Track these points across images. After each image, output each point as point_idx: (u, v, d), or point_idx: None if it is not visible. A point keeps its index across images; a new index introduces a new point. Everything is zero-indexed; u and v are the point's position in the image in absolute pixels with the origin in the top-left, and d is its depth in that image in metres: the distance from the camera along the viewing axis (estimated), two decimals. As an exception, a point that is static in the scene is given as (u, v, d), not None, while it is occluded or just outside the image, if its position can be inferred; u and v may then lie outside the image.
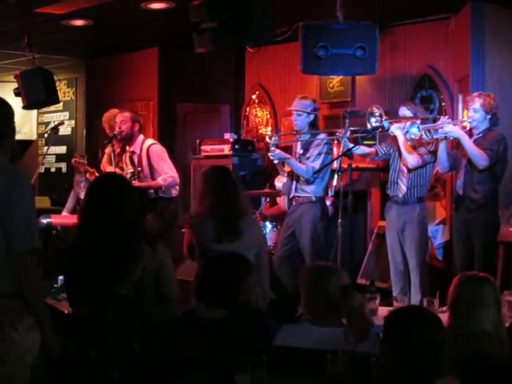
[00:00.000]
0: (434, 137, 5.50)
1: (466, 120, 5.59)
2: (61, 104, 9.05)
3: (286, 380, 2.90)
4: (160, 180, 6.36)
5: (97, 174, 6.44)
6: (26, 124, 9.89)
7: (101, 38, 7.93)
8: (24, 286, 3.02)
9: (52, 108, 9.20)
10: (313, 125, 6.17)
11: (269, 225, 6.69)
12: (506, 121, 5.84)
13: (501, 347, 3.04)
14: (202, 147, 7.68)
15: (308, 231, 6.00)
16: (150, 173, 6.42)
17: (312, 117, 6.15)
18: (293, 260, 6.05)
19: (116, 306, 3.45)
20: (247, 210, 4.70)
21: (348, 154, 5.56)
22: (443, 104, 6.73)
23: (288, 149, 6.46)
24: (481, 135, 5.51)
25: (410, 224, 5.68)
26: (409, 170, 5.69)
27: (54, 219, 6.76)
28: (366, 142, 6.16)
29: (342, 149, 5.76)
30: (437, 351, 2.55)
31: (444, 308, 3.88)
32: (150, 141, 6.62)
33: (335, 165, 5.81)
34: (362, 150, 5.94)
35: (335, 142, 6.33)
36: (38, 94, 7.45)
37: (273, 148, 6.14)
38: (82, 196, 6.76)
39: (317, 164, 6.01)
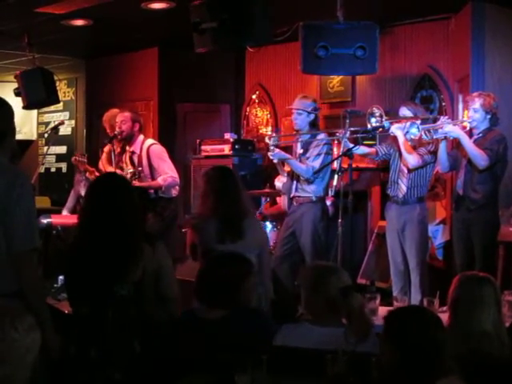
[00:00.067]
0: (434, 137, 5.50)
1: (466, 120, 5.59)
2: (61, 104, 9.05)
3: (286, 380, 2.90)
4: (160, 180, 6.37)
5: (97, 174, 6.45)
6: (26, 124, 9.88)
7: (101, 37, 7.93)
8: (24, 285, 3.02)
9: (52, 108, 9.19)
10: (313, 124, 6.17)
11: (269, 225, 6.69)
12: (506, 121, 5.84)
13: (501, 347, 3.04)
14: (202, 147, 7.68)
15: (308, 231, 6.00)
16: (150, 173, 6.42)
17: (312, 116, 6.15)
18: (292, 260, 6.06)
19: (116, 305, 3.45)
20: (249, 210, 4.70)
21: (348, 154, 5.56)
22: (443, 104, 6.73)
23: (288, 149, 6.46)
24: (481, 135, 5.51)
25: (410, 224, 5.68)
26: (409, 170, 5.69)
27: (54, 219, 6.76)
28: (366, 142, 6.17)
29: (342, 149, 5.76)
30: (437, 351, 2.55)
31: (444, 308, 3.89)
32: (150, 141, 6.63)
33: (335, 165, 5.81)
34: (362, 150, 5.94)
35: (335, 142, 6.33)
36: (38, 94, 7.45)
37: (272, 147, 6.14)
38: (82, 193, 6.76)
39: (316, 164, 6.01)
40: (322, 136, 6.13)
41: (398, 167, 5.78)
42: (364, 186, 7.13)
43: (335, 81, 7.47)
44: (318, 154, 6.05)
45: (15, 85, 7.60)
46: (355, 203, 5.84)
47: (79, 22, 7.18)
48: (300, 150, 6.21)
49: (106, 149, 6.74)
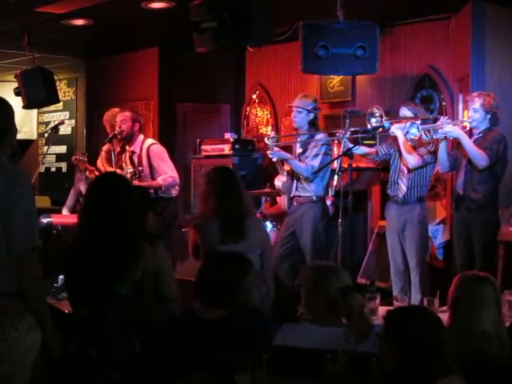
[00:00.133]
0: (434, 137, 5.50)
1: (466, 120, 5.59)
2: (61, 103, 9.05)
3: (286, 380, 2.90)
4: (160, 180, 6.37)
5: (96, 173, 6.45)
6: (26, 124, 9.88)
7: (101, 37, 7.93)
8: (25, 285, 3.02)
9: (52, 107, 9.20)
10: (312, 124, 6.17)
11: (269, 224, 6.69)
12: (507, 120, 5.84)
13: (501, 347, 3.04)
14: (203, 147, 7.68)
15: (309, 231, 6.00)
16: (150, 173, 6.42)
17: (312, 116, 6.15)
18: (292, 259, 6.06)
19: (116, 305, 3.45)
20: (251, 210, 4.71)
21: (348, 153, 5.56)
22: (443, 104, 6.73)
23: (288, 148, 6.46)
24: (481, 135, 5.51)
25: (410, 224, 5.68)
26: (409, 170, 5.69)
27: (55, 219, 6.77)
28: (366, 142, 6.17)
29: (342, 149, 5.76)
30: (437, 351, 2.55)
31: (444, 308, 3.89)
32: (150, 141, 6.63)
33: (335, 164, 5.81)
34: (362, 150, 5.94)
35: (335, 142, 6.33)
36: (38, 94, 7.46)
37: (271, 146, 6.15)
38: (83, 191, 6.77)
39: (315, 162, 6.01)
40: (320, 136, 6.13)
41: (398, 167, 5.78)
42: (364, 185, 7.13)
43: (335, 80, 7.47)
44: (317, 154, 6.05)
45: (15, 84, 7.60)
46: (355, 203, 5.84)
47: (79, 22, 7.18)
48: (299, 150, 6.21)
49: (105, 148, 6.74)
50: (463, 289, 3.19)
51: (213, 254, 4.06)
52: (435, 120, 5.75)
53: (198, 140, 7.75)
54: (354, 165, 5.82)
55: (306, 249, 6.01)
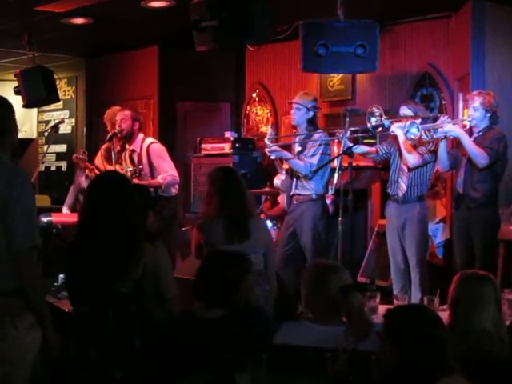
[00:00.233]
0: (434, 136, 5.50)
1: (466, 119, 5.59)
2: (61, 102, 9.04)
3: (287, 378, 2.90)
4: (160, 179, 6.37)
5: (96, 172, 6.46)
6: (26, 122, 9.88)
7: (101, 36, 7.93)
8: (25, 284, 3.02)
9: (52, 106, 9.20)
10: (311, 122, 6.17)
11: (269, 223, 6.68)
12: (507, 119, 5.84)
13: (501, 345, 3.04)
14: (203, 146, 7.67)
15: (309, 229, 6.00)
16: (150, 171, 6.42)
17: (311, 114, 6.14)
18: (294, 259, 6.05)
19: (117, 304, 3.46)
20: (254, 210, 4.72)
21: (348, 152, 5.56)
22: (443, 102, 6.72)
23: (287, 147, 6.46)
24: (481, 134, 5.51)
25: (410, 223, 5.68)
26: (409, 169, 5.69)
27: (55, 218, 6.77)
28: (366, 141, 6.16)
29: (342, 148, 5.75)
30: (438, 350, 2.55)
31: (444, 306, 3.88)
32: (150, 139, 6.63)
33: (335, 163, 5.81)
34: (362, 149, 5.95)
35: (336, 140, 6.32)
36: (38, 93, 7.45)
37: (269, 143, 6.16)
38: (84, 186, 6.77)
39: (314, 160, 6.01)
40: (318, 136, 6.12)
41: (399, 166, 5.78)
42: (364, 184, 7.13)
43: (335, 79, 7.46)
44: (315, 153, 6.05)
45: (15, 83, 7.60)
46: (355, 202, 5.84)
47: (79, 21, 7.18)
48: (298, 148, 6.21)
49: (105, 146, 6.75)
50: (463, 287, 3.19)
51: (212, 254, 4.06)
52: (435, 119, 5.75)
53: (198, 139, 7.74)
54: (354, 163, 5.82)
55: (306, 247, 6.01)
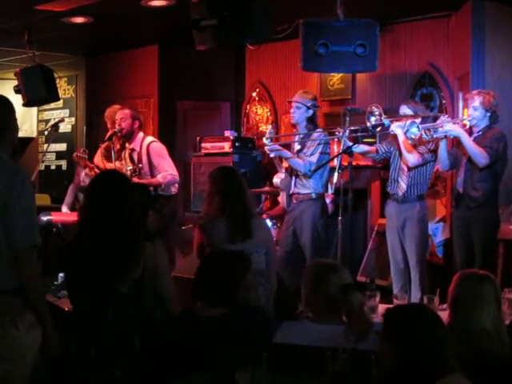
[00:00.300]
0: (434, 136, 5.50)
1: (466, 118, 5.59)
2: (61, 101, 9.04)
3: (286, 377, 2.90)
4: (160, 178, 6.37)
5: (96, 170, 6.46)
6: (26, 121, 9.88)
7: (101, 35, 7.92)
8: (25, 282, 3.02)
9: (52, 105, 9.21)
10: (311, 120, 6.17)
11: (269, 222, 6.68)
12: (507, 119, 5.84)
13: (501, 345, 3.04)
14: (203, 145, 7.67)
15: (308, 229, 5.99)
16: (150, 170, 6.42)
17: (311, 112, 6.14)
18: (294, 258, 6.04)
19: (117, 303, 3.46)
20: (255, 209, 4.72)
21: (348, 151, 5.56)
22: (443, 102, 6.73)
23: (286, 146, 6.45)
24: (480, 133, 5.51)
25: (410, 222, 5.69)
26: (409, 169, 5.69)
27: (54, 217, 6.76)
28: (366, 140, 6.17)
29: (342, 147, 5.75)
30: (438, 349, 2.55)
31: (444, 306, 3.89)
32: (149, 138, 6.63)
33: (335, 162, 5.81)
34: (362, 148, 5.95)
35: (335, 139, 6.32)
36: (38, 92, 7.45)
37: (268, 141, 6.16)
38: (85, 181, 6.78)
39: (313, 159, 6.00)
40: (317, 135, 6.12)
41: (398, 165, 5.78)
42: (364, 183, 7.13)
43: (335, 78, 7.46)
44: (314, 152, 6.04)
45: (15, 82, 7.60)
46: (355, 201, 5.84)
47: (79, 20, 7.18)
48: (297, 147, 6.21)
49: (105, 145, 6.74)
50: (463, 287, 3.19)
51: (212, 253, 4.06)
52: (435, 118, 5.76)
53: (198, 138, 7.74)
54: (353, 163, 5.82)
55: (306, 247, 6.01)
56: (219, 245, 4.38)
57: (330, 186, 6.18)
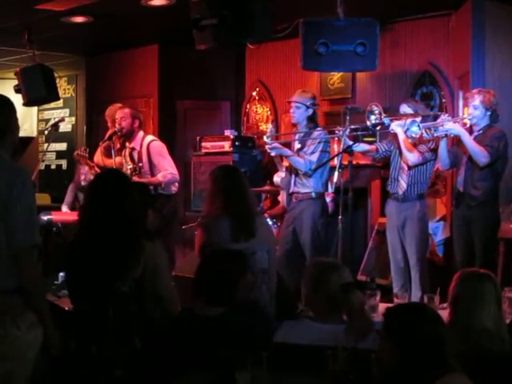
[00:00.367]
0: (435, 135, 5.50)
1: (466, 117, 5.60)
2: (61, 101, 9.03)
3: (287, 377, 2.90)
4: (160, 176, 6.37)
5: (97, 169, 6.47)
6: (27, 121, 9.88)
7: (101, 34, 7.92)
8: (25, 282, 3.02)
9: (52, 105, 9.21)
10: (311, 119, 6.16)
11: (269, 221, 6.68)
12: (507, 118, 5.85)
13: (501, 344, 3.04)
14: (203, 144, 7.67)
15: (308, 228, 5.99)
16: (150, 169, 6.42)
17: (311, 111, 6.14)
18: (294, 257, 6.05)
19: (117, 303, 3.46)
20: (256, 208, 4.71)
21: (348, 150, 5.56)
22: (443, 101, 6.73)
23: (287, 145, 6.46)
24: (481, 132, 5.51)
25: (410, 221, 5.69)
26: (409, 167, 5.69)
27: (55, 216, 6.77)
28: (366, 139, 6.17)
29: (342, 146, 5.75)
30: (438, 348, 2.55)
31: (444, 305, 3.88)
32: (150, 137, 6.63)
33: (335, 161, 5.81)
34: (362, 147, 5.95)
35: (336, 138, 6.32)
36: (39, 91, 7.45)
37: (269, 140, 6.15)
38: (86, 179, 6.79)
39: (314, 158, 6.00)
40: (317, 134, 6.12)
41: (399, 164, 5.78)
42: (364, 182, 7.13)
43: (335, 77, 7.46)
44: (314, 151, 6.05)
45: (15, 82, 7.60)
46: (355, 200, 5.84)
47: (79, 19, 7.18)
48: (297, 146, 6.21)
49: (104, 144, 6.74)
50: (463, 286, 3.19)
51: (211, 252, 4.06)
52: (435, 117, 5.76)
53: (198, 137, 7.74)
54: (353, 162, 5.82)
55: (306, 246, 6.01)
56: (222, 244, 4.36)
57: (330, 185, 6.18)
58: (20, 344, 2.11)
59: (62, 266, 4.07)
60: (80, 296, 3.61)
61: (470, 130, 5.59)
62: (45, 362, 2.96)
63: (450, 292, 3.24)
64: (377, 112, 5.65)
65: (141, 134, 6.53)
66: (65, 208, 7.44)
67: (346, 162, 5.57)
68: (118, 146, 6.61)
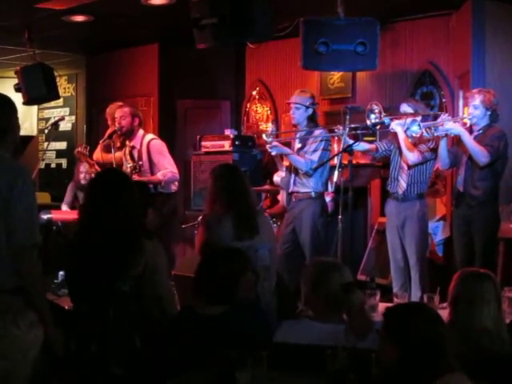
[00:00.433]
0: (435, 134, 5.50)
1: (466, 117, 5.60)
2: (61, 100, 9.03)
3: (287, 376, 2.90)
4: (160, 175, 6.37)
5: (97, 167, 6.48)
6: (27, 120, 9.87)
7: (101, 33, 7.92)
8: (25, 281, 3.03)
9: (52, 104, 9.20)
10: (311, 119, 6.16)
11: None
12: (507, 117, 5.85)
13: (501, 344, 3.04)
14: (203, 143, 7.66)
15: (308, 228, 5.99)
16: (150, 168, 6.43)
17: (310, 111, 6.14)
18: (294, 256, 6.05)
19: (117, 302, 3.46)
20: (258, 206, 4.72)
21: (348, 150, 5.56)
22: (444, 100, 6.73)
23: (287, 144, 6.46)
24: (481, 132, 5.51)
25: (410, 220, 5.69)
26: (409, 167, 5.69)
27: (55, 215, 6.78)
28: (366, 139, 6.17)
29: (342, 145, 5.75)
30: (438, 348, 2.55)
31: (444, 304, 3.88)
32: (150, 136, 6.63)
33: (335, 161, 5.81)
34: (362, 146, 5.95)
35: (336, 138, 6.32)
36: (39, 90, 7.46)
37: (270, 139, 6.15)
38: (85, 179, 6.79)
39: (315, 157, 6.00)
40: (318, 132, 6.12)
41: (398, 164, 5.78)
42: (364, 182, 7.13)
43: (335, 77, 7.46)
44: (316, 149, 6.04)
45: (15, 80, 7.60)
46: (355, 199, 5.84)
47: (79, 18, 7.18)
48: (298, 145, 6.21)
49: (105, 143, 6.75)
50: (463, 285, 3.19)
51: (212, 251, 4.06)
52: (436, 116, 5.76)
53: (198, 136, 7.73)
54: (353, 161, 5.82)
55: (305, 245, 6.01)
56: (225, 242, 4.36)
57: (330, 185, 6.18)
58: (20, 343, 2.10)
59: (61, 264, 4.07)
60: (80, 295, 3.61)
61: (470, 130, 5.59)
62: (45, 362, 2.96)
63: (450, 292, 3.24)
64: (377, 111, 5.65)
65: (141, 132, 6.53)
66: (65, 207, 7.45)
67: (345, 162, 5.57)
68: (118, 144, 6.61)
